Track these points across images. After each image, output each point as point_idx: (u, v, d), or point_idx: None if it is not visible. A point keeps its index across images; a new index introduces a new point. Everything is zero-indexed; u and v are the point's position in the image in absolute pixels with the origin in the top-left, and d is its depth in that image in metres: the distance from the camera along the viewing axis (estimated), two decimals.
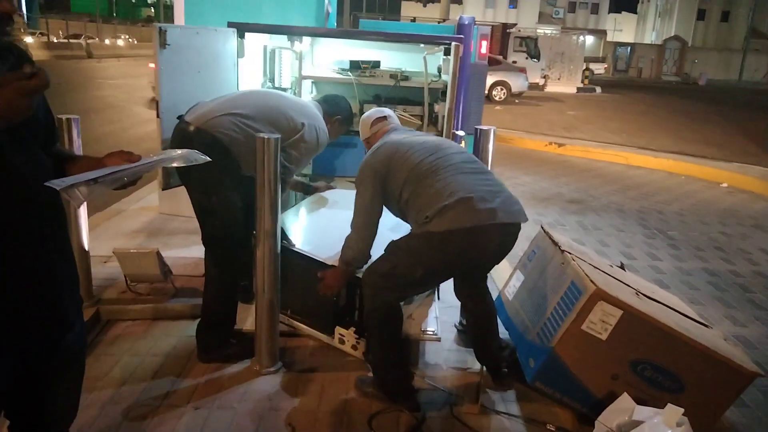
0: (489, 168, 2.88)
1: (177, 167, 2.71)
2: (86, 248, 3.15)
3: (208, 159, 1.52)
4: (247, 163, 2.65)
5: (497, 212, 2.38)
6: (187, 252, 3.96)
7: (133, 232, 4.56)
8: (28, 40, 26.48)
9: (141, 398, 2.55)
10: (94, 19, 38.41)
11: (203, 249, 2.84)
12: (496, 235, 2.43)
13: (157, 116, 2.77)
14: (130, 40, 37.84)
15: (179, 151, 1.49)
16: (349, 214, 2.60)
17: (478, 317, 2.79)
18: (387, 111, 2.92)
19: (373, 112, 2.90)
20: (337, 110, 3.11)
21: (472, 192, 2.39)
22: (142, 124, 9.59)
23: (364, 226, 2.56)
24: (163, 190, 3.11)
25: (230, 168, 2.68)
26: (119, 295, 3.37)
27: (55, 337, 1.45)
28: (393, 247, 2.51)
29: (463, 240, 2.37)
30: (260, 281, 2.67)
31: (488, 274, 2.83)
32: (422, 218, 2.39)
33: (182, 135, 2.68)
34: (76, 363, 1.61)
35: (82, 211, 3.13)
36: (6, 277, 1.29)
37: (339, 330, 2.91)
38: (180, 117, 2.76)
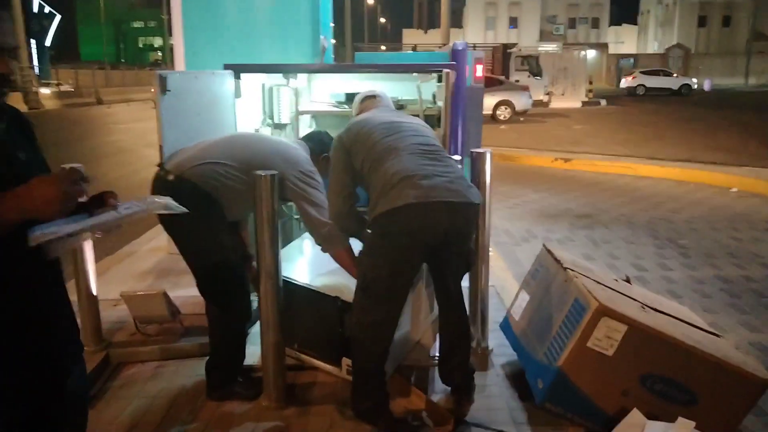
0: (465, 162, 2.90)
1: (161, 219, 2.66)
2: (94, 293, 3.20)
3: (185, 210, 1.53)
4: (230, 210, 2.65)
5: (439, 189, 2.35)
6: (195, 291, 3.98)
7: (143, 273, 4.61)
8: (44, 91, 27.18)
9: None
10: (103, 66, 39.36)
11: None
12: (442, 213, 2.35)
13: (160, 161, 2.78)
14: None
15: (160, 199, 1.49)
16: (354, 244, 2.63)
17: (447, 332, 2.72)
18: (378, 91, 3.02)
19: (365, 91, 3.04)
20: (323, 148, 2.99)
21: (415, 171, 2.39)
22: (152, 167, 9.71)
23: (333, 192, 2.62)
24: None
25: (214, 215, 2.62)
26: (129, 337, 3.39)
27: (54, 384, 1.47)
28: (358, 259, 2.57)
29: (407, 217, 2.33)
30: (264, 318, 2.69)
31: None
32: (372, 201, 2.43)
33: (161, 183, 2.60)
34: (77, 408, 1.63)
35: (89, 255, 3.18)
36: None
37: (346, 361, 2.90)
38: (160, 165, 2.70)
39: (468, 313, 3.22)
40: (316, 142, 3.02)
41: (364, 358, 2.56)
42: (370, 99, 2.98)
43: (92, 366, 3.03)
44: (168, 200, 1.49)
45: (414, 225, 2.35)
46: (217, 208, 2.61)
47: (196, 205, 2.45)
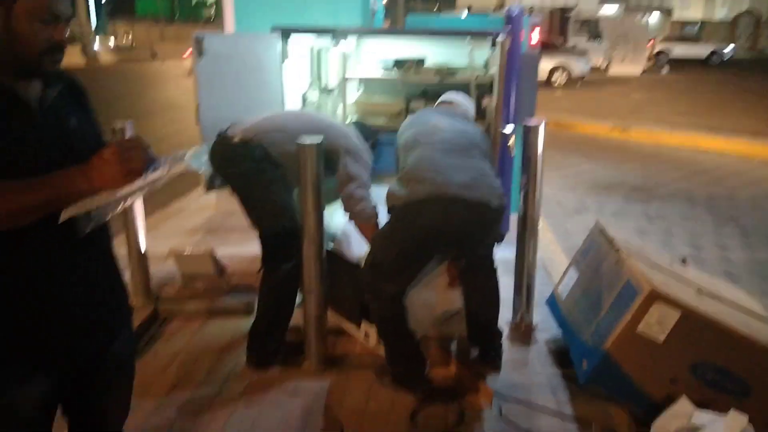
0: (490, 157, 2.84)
1: (227, 179, 2.73)
2: (143, 250, 3.27)
3: (208, 168, 1.45)
4: (293, 178, 2.68)
5: (453, 186, 2.42)
6: (242, 249, 4.05)
7: (192, 229, 4.71)
8: (96, 46, 27.75)
9: (195, 394, 2.63)
10: (157, 21, 39.79)
11: (258, 245, 2.81)
12: (455, 209, 2.42)
13: (197, 123, 2.82)
14: None
15: (179, 155, 1.38)
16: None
17: (472, 303, 2.83)
18: (454, 96, 3.12)
19: (445, 96, 3.18)
20: (367, 137, 3.04)
21: (433, 167, 2.49)
22: None
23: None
24: (207, 191, 3.18)
25: (281, 178, 2.68)
26: (176, 293, 3.48)
27: (100, 347, 1.50)
28: (373, 239, 2.68)
29: (420, 211, 2.44)
30: (308, 281, 2.70)
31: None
32: (394, 186, 2.55)
33: (225, 148, 2.67)
34: (124, 371, 1.66)
35: (139, 211, 3.25)
36: (41, 287, 1.34)
37: (365, 325, 2.92)
38: (220, 134, 2.74)
39: (513, 286, 3.20)
40: (363, 130, 3.07)
41: (382, 324, 2.67)
42: (446, 104, 3.10)
43: (141, 319, 3.13)
44: (190, 156, 1.40)
45: (424, 218, 2.45)
46: (282, 171, 2.68)
47: (263, 167, 2.62)
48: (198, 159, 1.44)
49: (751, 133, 9.52)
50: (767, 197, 6.41)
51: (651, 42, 27.67)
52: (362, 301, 2.80)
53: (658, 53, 27.31)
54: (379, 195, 2.71)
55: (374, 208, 2.73)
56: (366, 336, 2.97)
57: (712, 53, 28.05)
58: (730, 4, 54.01)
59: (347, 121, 3.69)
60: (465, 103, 3.13)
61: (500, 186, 2.58)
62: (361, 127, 3.13)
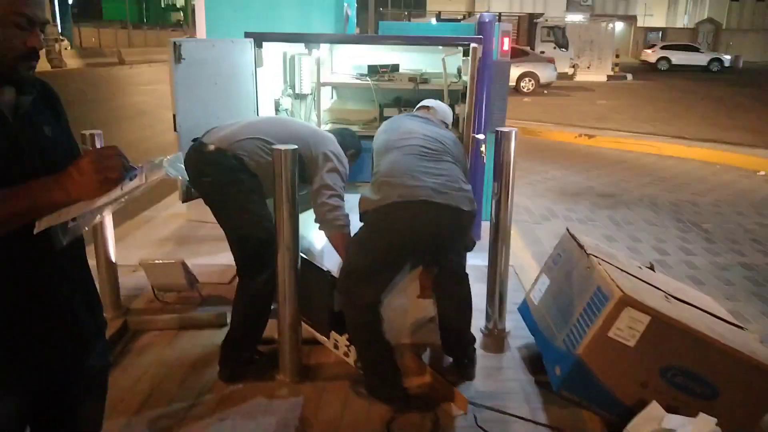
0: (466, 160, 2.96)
1: (200, 186, 2.69)
2: (113, 260, 3.21)
3: (185, 176, 1.42)
4: (269, 187, 2.65)
5: (423, 190, 2.43)
6: (214, 259, 4.00)
7: (162, 240, 4.63)
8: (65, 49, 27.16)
9: (167, 410, 2.58)
10: (125, 26, 39.17)
11: (231, 256, 2.78)
12: (425, 213, 2.43)
13: (174, 130, 2.78)
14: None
15: (157, 161, 1.35)
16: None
17: (444, 310, 2.85)
18: (432, 102, 3.15)
19: (424, 101, 3.20)
20: (351, 144, 3.05)
21: (405, 171, 2.50)
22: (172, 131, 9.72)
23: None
24: (183, 202, 3.13)
25: (256, 188, 2.65)
26: (147, 304, 3.42)
27: (76, 360, 1.47)
28: (348, 245, 2.67)
29: (391, 215, 2.45)
30: (282, 291, 2.67)
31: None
32: (367, 192, 2.55)
33: (200, 156, 2.63)
34: (98, 384, 1.63)
35: (108, 221, 3.18)
36: (20, 301, 1.31)
37: (334, 335, 2.92)
38: (195, 140, 2.71)
39: (485, 293, 3.23)
40: (344, 137, 3.05)
41: (357, 333, 2.66)
42: (424, 109, 3.12)
43: (111, 332, 3.06)
44: (168, 163, 1.37)
45: (398, 224, 2.47)
46: (258, 181, 2.65)
47: (239, 177, 2.59)
48: (175, 166, 1.41)
49: (712, 140, 9.80)
50: (729, 202, 6.60)
51: (654, 48, 28.67)
52: (332, 310, 2.79)
53: (660, 59, 28.92)
54: (353, 203, 2.71)
55: (346, 217, 2.72)
56: (335, 346, 2.95)
57: (712, 60, 29.50)
58: (690, 12, 55.58)
59: (329, 128, 3.67)
60: (443, 109, 3.15)
61: (471, 191, 2.60)
62: (345, 134, 3.10)
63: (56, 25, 28.67)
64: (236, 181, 2.60)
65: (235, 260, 2.75)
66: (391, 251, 2.55)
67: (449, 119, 3.18)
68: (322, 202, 2.67)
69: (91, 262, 1.70)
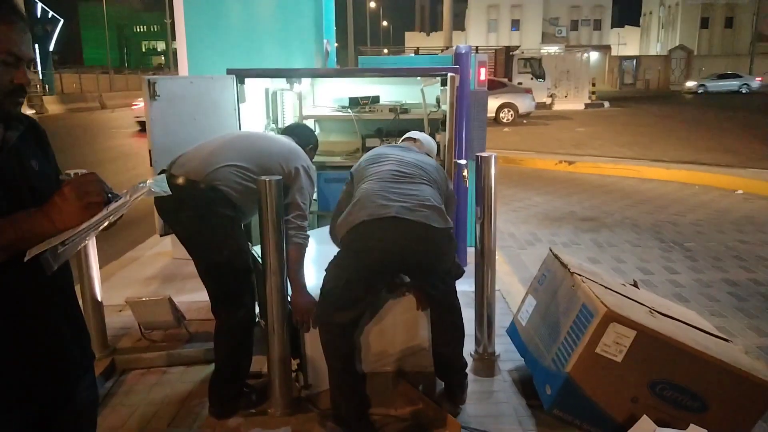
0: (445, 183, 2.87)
1: (181, 231, 2.68)
2: (99, 299, 3.19)
3: (169, 192, 1.43)
4: (248, 210, 2.67)
5: (393, 207, 2.44)
6: (200, 296, 3.97)
7: (148, 278, 4.60)
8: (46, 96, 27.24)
9: None
10: (106, 71, 39.45)
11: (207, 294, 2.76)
12: (394, 229, 2.43)
13: (150, 165, 2.81)
14: None
15: (147, 182, 1.36)
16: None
17: (436, 338, 2.81)
18: (418, 135, 3.15)
19: (409, 133, 3.21)
20: (308, 140, 3.07)
21: (376, 193, 2.53)
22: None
23: (338, 208, 2.79)
24: (160, 236, 3.14)
25: (236, 218, 2.64)
26: (134, 343, 3.38)
27: (64, 392, 1.46)
28: (326, 269, 2.63)
29: (361, 235, 2.47)
30: (270, 323, 2.67)
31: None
32: (339, 223, 2.58)
33: (171, 189, 2.59)
34: (88, 418, 1.61)
35: (93, 261, 3.17)
36: (9, 333, 1.30)
37: (296, 360, 2.87)
38: (163, 171, 2.68)
39: (474, 317, 3.24)
40: (299, 135, 3.05)
41: (330, 358, 2.61)
42: (409, 140, 3.12)
43: (98, 372, 3.01)
44: (152, 183, 1.37)
45: (369, 242, 2.48)
46: (236, 210, 2.64)
47: (217, 209, 2.57)
48: (160, 184, 1.42)
49: (690, 162, 10.00)
50: (709, 222, 6.71)
51: (688, 84, 36.72)
52: (295, 338, 2.77)
53: (700, 85, 35.84)
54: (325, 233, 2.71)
55: (306, 238, 2.72)
56: (296, 377, 2.89)
57: (743, 85, 35.48)
58: (663, 40, 57.19)
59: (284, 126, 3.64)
60: (428, 141, 3.14)
61: (445, 212, 2.59)
62: (299, 132, 3.08)
63: (37, 72, 28.79)
64: (216, 214, 2.58)
65: (210, 297, 2.73)
66: (364, 270, 2.52)
67: (434, 151, 3.18)
68: (287, 219, 2.68)
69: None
